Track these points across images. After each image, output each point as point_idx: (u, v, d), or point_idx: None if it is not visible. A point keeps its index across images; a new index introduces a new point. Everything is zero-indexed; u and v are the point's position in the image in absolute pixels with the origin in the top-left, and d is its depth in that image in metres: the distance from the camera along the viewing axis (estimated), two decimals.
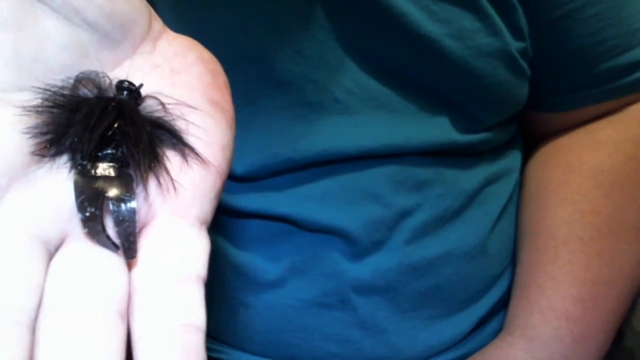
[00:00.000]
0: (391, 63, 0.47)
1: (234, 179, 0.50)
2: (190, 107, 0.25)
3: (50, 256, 0.20)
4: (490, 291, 0.54)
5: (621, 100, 0.54)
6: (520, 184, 0.58)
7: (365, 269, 0.49)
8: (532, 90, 0.53)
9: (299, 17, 0.45)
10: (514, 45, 0.48)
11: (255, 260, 0.50)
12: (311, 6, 0.45)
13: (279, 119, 0.47)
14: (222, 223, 0.51)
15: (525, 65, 0.50)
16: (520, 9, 0.47)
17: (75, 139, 0.21)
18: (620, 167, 0.52)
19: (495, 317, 0.55)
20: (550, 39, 0.50)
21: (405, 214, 0.50)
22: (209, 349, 0.54)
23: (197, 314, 0.20)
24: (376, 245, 0.49)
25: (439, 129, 0.49)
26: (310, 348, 0.51)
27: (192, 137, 0.24)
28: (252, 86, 0.47)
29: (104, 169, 0.22)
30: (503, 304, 0.55)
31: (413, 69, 0.47)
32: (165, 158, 0.23)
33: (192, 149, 0.24)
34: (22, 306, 0.18)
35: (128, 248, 0.21)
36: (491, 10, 0.46)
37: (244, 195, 0.50)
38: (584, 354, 0.49)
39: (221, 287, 0.51)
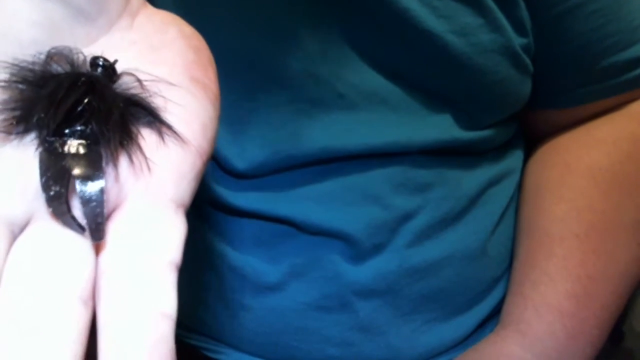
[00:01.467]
0: (393, 59, 0.47)
1: (234, 175, 0.49)
2: (170, 83, 0.24)
3: (15, 237, 0.19)
4: (491, 293, 0.54)
5: (622, 97, 0.54)
6: (520, 184, 0.58)
7: (366, 272, 0.49)
8: (533, 87, 0.53)
9: (300, 12, 0.45)
10: (517, 41, 0.48)
11: (254, 263, 0.50)
12: (313, 3, 0.45)
13: (280, 114, 0.47)
14: (222, 222, 0.51)
15: (528, 61, 0.50)
16: (522, 4, 0.47)
17: (42, 115, 0.20)
18: (618, 165, 0.53)
19: (495, 318, 0.55)
20: (551, 36, 0.50)
21: (407, 216, 0.50)
22: (209, 350, 0.54)
23: (167, 301, 0.19)
24: (377, 248, 0.49)
25: (441, 126, 0.49)
26: (310, 350, 0.51)
27: (171, 115, 0.23)
28: (253, 81, 0.46)
29: (72, 146, 0.21)
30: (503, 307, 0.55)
31: (415, 64, 0.47)
32: (139, 136, 0.22)
33: (169, 127, 0.23)
34: None
35: (95, 230, 0.20)
36: (494, 6, 0.46)
37: (244, 193, 0.49)
38: (578, 349, 0.49)
39: (220, 287, 0.51)
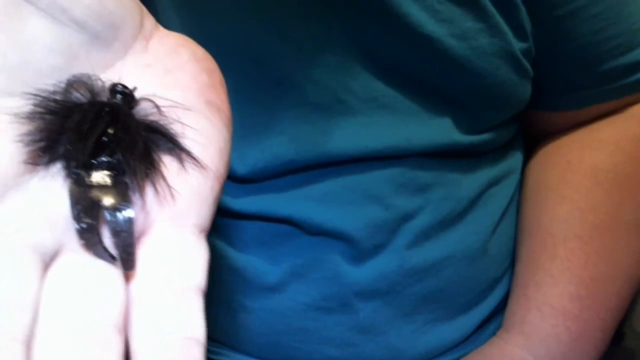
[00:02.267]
0: (394, 63, 0.47)
1: (235, 180, 0.50)
2: (186, 108, 0.25)
3: (46, 267, 0.20)
4: (492, 293, 0.55)
5: (623, 100, 0.54)
6: (521, 184, 0.58)
7: (367, 273, 0.50)
8: (534, 90, 0.53)
9: (301, 17, 0.45)
10: (517, 45, 0.48)
11: (255, 263, 0.51)
12: (313, 6, 0.45)
13: (280, 119, 0.48)
14: (222, 225, 0.51)
15: (528, 65, 0.50)
16: (523, 9, 0.48)
17: (69, 147, 0.21)
18: (620, 166, 0.53)
19: (496, 318, 0.56)
20: (553, 38, 0.50)
21: (407, 217, 0.50)
22: (208, 351, 0.54)
23: (197, 327, 0.20)
24: (378, 249, 0.50)
25: (441, 130, 0.50)
26: (310, 351, 0.52)
27: (189, 140, 0.24)
28: (254, 86, 0.47)
29: (99, 177, 0.21)
30: (503, 306, 0.55)
31: (416, 68, 0.47)
32: (161, 164, 0.23)
33: (189, 154, 0.23)
34: (18, 321, 0.18)
35: (126, 260, 0.20)
36: (494, 10, 0.46)
37: (244, 198, 0.50)
38: (581, 351, 0.49)
39: (221, 289, 0.51)
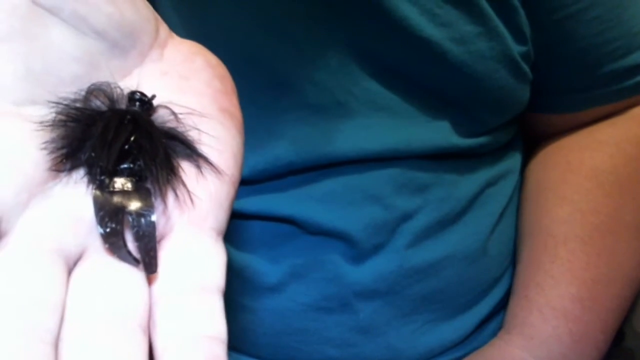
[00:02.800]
0: (393, 66, 0.48)
1: None
2: (202, 115, 0.25)
3: (70, 270, 0.21)
4: (491, 293, 0.55)
5: (623, 103, 0.55)
6: (520, 185, 0.59)
7: (366, 273, 0.50)
8: (534, 92, 0.54)
9: (301, 19, 0.46)
10: (516, 49, 0.49)
11: (255, 263, 0.51)
12: (313, 8, 0.45)
13: (281, 121, 0.48)
14: None
15: (527, 68, 0.51)
16: (522, 12, 0.48)
17: (93, 154, 0.22)
18: (621, 168, 0.53)
19: (496, 318, 0.56)
20: (553, 41, 0.51)
21: (406, 216, 0.50)
22: None
23: (219, 325, 0.21)
24: (377, 248, 0.50)
25: (440, 133, 0.50)
26: (310, 351, 0.52)
27: (205, 146, 0.25)
28: (254, 88, 0.47)
29: (122, 183, 0.22)
30: (503, 305, 0.56)
31: (414, 72, 0.48)
32: (181, 170, 0.24)
33: (206, 160, 0.24)
34: (46, 323, 0.19)
35: (149, 263, 0.21)
36: (493, 14, 0.47)
37: (245, 198, 0.50)
38: (583, 353, 0.50)
39: None
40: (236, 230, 0.51)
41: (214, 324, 0.21)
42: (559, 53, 0.52)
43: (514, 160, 0.58)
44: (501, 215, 0.55)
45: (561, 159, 0.56)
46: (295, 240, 0.50)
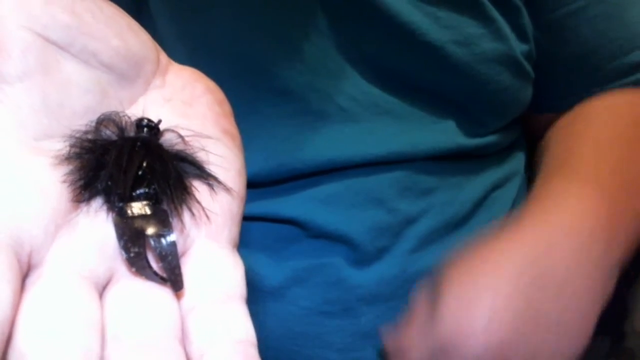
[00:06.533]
0: (396, 70, 0.49)
1: None
2: (207, 136, 0.28)
3: (100, 295, 0.23)
4: None
5: None
6: (523, 187, 0.60)
7: (370, 277, 0.52)
8: (536, 93, 0.55)
9: (302, 26, 0.47)
10: (519, 48, 0.50)
11: (257, 266, 0.53)
12: (314, 14, 0.47)
13: (283, 127, 0.50)
14: None
15: (529, 68, 0.52)
16: (524, 11, 0.50)
17: (109, 182, 0.24)
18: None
19: None
20: (554, 39, 0.52)
21: (410, 220, 0.52)
22: None
23: (248, 330, 0.24)
24: (381, 252, 0.52)
25: (444, 134, 0.52)
26: (311, 355, 0.54)
27: (213, 166, 0.28)
28: (256, 95, 0.49)
29: (140, 207, 0.25)
30: None
31: (418, 75, 0.49)
32: (194, 189, 0.26)
33: (215, 179, 0.27)
34: (91, 345, 0.21)
35: (175, 281, 0.24)
36: (496, 14, 0.48)
37: (247, 202, 0.52)
38: (616, 235, 0.47)
39: None
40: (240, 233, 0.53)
41: (244, 329, 0.23)
42: (561, 51, 0.53)
43: (517, 162, 0.60)
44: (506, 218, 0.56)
45: (568, 133, 0.56)
46: (297, 244, 0.52)
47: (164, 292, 0.24)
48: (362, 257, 0.51)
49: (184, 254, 0.25)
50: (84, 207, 0.24)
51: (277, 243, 0.53)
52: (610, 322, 0.55)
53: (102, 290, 0.24)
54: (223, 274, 0.25)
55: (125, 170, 0.25)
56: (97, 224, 0.24)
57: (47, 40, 0.25)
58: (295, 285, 0.52)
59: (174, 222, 0.25)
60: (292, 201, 0.51)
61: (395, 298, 0.53)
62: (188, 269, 0.25)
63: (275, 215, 0.52)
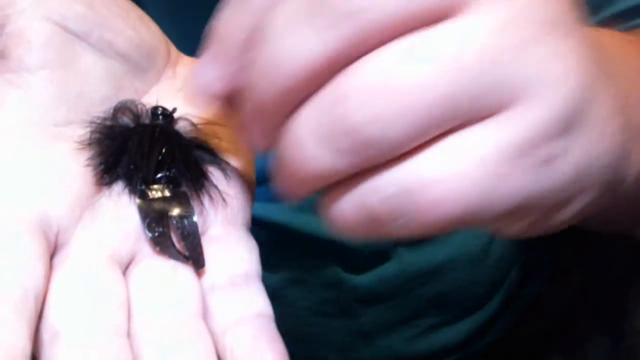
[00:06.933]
0: None
1: None
2: (218, 124, 0.29)
3: (123, 274, 0.24)
4: (494, 297, 0.57)
5: None
6: None
7: (368, 278, 0.52)
8: None
9: None
10: None
11: None
12: None
13: None
14: None
15: None
16: None
17: (132, 167, 0.25)
18: None
19: (498, 323, 0.58)
20: None
21: None
22: None
23: (266, 306, 0.25)
24: (378, 254, 0.52)
25: None
26: (310, 356, 0.54)
27: (225, 152, 0.29)
28: None
29: (161, 190, 0.26)
30: (505, 310, 0.58)
31: None
32: (210, 174, 0.27)
33: (229, 164, 0.28)
34: (118, 319, 0.22)
35: (197, 259, 0.25)
36: None
37: None
38: None
39: None
40: None
41: (262, 305, 0.25)
42: None
43: None
44: None
45: None
46: (294, 247, 0.52)
47: (185, 272, 0.25)
48: (359, 258, 0.52)
49: (203, 234, 0.26)
50: (105, 191, 0.25)
51: (274, 246, 0.52)
52: (610, 322, 0.55)
53: (124, 269, 0.24)
54: (240, 254, 0.26)
55: (148, 155, 0.26)
56: (119, 207, 0.25)
57: (66, 29, 0.26)
58: (293, 286, 0.53)
59: (195, 205, 0.26)
60: (287, 206, 0.52)
61: (395, 298, 0.53)
62: (207, 250, 0.26)
63: (270, 220, 0.52)
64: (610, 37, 0.35)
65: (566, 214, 0.24)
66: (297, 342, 0.53)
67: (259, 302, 0.25)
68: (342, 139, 0.20)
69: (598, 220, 0.37)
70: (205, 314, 0.24)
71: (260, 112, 0.23)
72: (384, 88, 0.19)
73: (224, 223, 0.27)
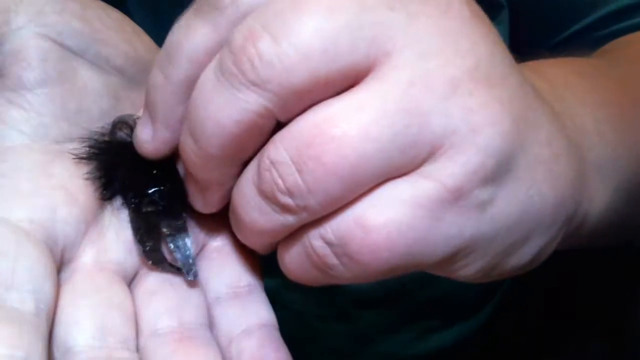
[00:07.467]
0: None
1: None
2: None
3: (129, 287, 0.25)
4: (490, 301, 0.58)
5: None
6: None
7: (365, 282, 0.52)
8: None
9: None
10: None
11: None
12: None
13: None
14: None
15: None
16: None
17: (126, 181, 0.26)
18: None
19: (494, 326, 0.58)
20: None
21: None
22: None
23: (270, 315, 0.26)
24: None
25: None
26: (306, 359, 0.54)
27: None
28: None
29: (154, 204, 0.26)
30: (502, 314, 0.58)
31: None
32: None
33: None
34: (129, 337, 0.23)
35: (189, 270, 0.25)
36: None
37: None
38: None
39: None
40: None
41: (266, 314, 0.26)
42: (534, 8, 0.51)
43: None
44: None
45: None
46: None
47: (189, 284, 0.26)
48: None
49: (204, 247, 0.27)
50: (107, 206, 0.26)
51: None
52: (610, 322, 0.56)
53: (129, 283, 0.25)
54: (241, 264, 0.27)
55: (140, 169, 0.26)
56: (122, 221, 0.26)
57: (63, 46, 0.26)
58: (290, 290, 0.53)
59: (191, 219, 0.27)
60: None
61: (391, 302, 0.53)
62: (210, 262, 0.27)
63: None
64: (556, 75, 0.34)
65: (521, 258, 0.24)
66: (293, 344, 0.53)
67: (263, 312, 0.26)
68: (277, 202, 0.21)
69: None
70: (210, 326, 0.25)
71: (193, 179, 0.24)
72: (313, 151, 0.20)
73: (216, 234, 0.28)
